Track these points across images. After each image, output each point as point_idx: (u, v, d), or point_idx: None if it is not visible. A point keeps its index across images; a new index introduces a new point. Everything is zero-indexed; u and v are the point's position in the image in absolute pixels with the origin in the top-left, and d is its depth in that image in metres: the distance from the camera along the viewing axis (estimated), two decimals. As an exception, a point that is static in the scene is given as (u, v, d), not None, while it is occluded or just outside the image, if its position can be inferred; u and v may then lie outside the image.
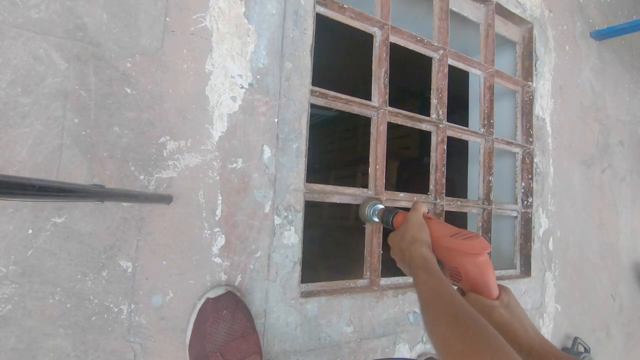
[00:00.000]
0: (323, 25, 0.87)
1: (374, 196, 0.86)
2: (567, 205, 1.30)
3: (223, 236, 0.66)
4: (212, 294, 0.62)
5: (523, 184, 1.21)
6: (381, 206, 0.81)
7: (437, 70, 1.03)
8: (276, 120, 0.72)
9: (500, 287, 0.52)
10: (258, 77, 0.71)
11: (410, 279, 0.95)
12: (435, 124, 1.00)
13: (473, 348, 0.35)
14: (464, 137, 1.09)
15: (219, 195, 0.66)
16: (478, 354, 0.34)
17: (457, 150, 1.44)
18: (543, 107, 1.24)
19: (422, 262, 0.51)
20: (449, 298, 0.42)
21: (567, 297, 1.29)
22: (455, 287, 0.53)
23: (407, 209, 0.67)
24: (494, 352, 0.34)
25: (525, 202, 1.20)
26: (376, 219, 0.79)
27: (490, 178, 1.11)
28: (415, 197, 0.96)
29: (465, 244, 0.52)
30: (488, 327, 0.37)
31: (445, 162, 1.00)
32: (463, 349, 0.35)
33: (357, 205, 0.86)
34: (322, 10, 0.82)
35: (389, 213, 0.71)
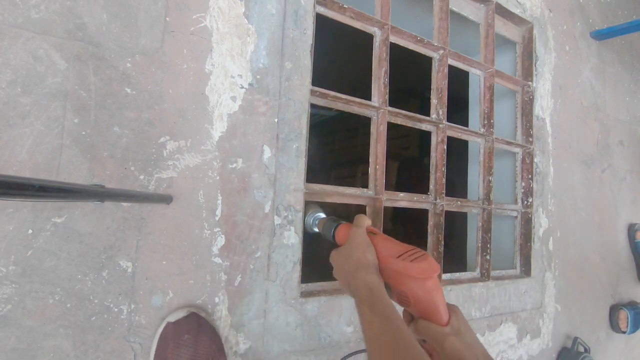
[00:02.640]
0: (323, 25, 0.87)
1: (315, 202, 0.77)
2: (567, 205, 1.30)
3: (223, 236, 0.66)
4: (172, 318, 0.58)
5: (523, 184, 1.21)
6: (323, 215, 0.73)
7: (437, 70, 1.03)
8: (276, 120, 0.72)
9: (450, 308, 0.49)
10: (258, 77, 0.71)
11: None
12: (435, 124, 1.00)
13: None
14: (464, 137, 1.09)
15: (219, 195, 0.66)
16: None
17: (457, 150, 1.44)
18: (543, 107, 1.24)
19: (366, 296, 0.47)
20: (393, 349, 0.39)
21: (567, 297, 1.29)
22: (403, 310, 0.51)
23: (351, 221, 0.62)
24: None
25: (525, 202, 1.20)
26: (316, 229, 0.72)
27: (490, 178, 1.11)
28: (415, 197, 0.96)
29: (412, 267, 0.48)
30: None
31: (445, 162, 1.00)
32: None
33: (358, 206, 0.85)
34: (322, 10, 0.82)
35: (330, 224, 0.65)
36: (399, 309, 0.49)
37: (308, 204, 0.75)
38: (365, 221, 0.58)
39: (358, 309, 0.48)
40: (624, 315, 1.44)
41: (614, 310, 1.46)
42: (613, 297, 1.49)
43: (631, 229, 1.58)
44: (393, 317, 0.44)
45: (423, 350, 0.39)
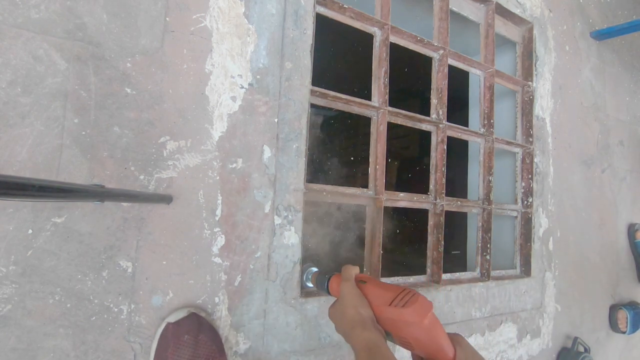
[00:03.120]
0: (323, 25, 0.87)
1: (310, 262, 0.78)
2: (567, 205, 1.30)
3: (223, 236, 0.66)
4: (173, 318, 0.58)
5: (523, 184, 1.21)
6: (315, 269, 0.74)
7: (437, 70, 1.03)
8: (276, 120, 0.72)
9: (454, 340, 0.49)
10: (258, 77, 0.71)
11: (410, 279, 0.95)
12: (435, 124, 1.00)
13: None
14: (464, 137, 1.09)
15: (219, 195, 0.66)
16: None
17: (457, 150, 1.44)
18: (543, 107, 1.24)
19: (366, 357, 0.45)
20: None
21: (567, 297, 1.29)
22: (411, 353, 0.51)
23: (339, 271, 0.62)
24: None
25: (525, 202, 1.20)
26: (310, 285, 0.73)
27: (490, 178, 1.11)
28: (415, 197, 0.96)
29: (406, 312, 0.48)
30: None
31: (445, 162, 1.00)
32: None
33: (357, 206, 0.85)
34: (322, 10, 0.82)
35: (322, 279, 0.65)
36: (407, 352, 0.49)
37: (304, 262, 0.76)
38: (352, 271, 0.58)
39: None
40: (622, 316, 1.44)
41: (613, 310, 1.46)
42: (613, 297, 1.49)
43: (631, 229, 1.58)
44: None
45: None
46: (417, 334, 0.47)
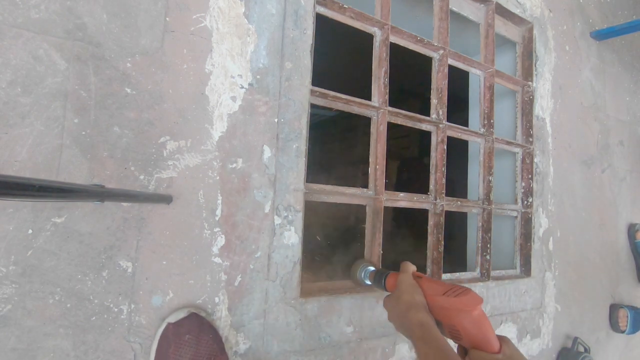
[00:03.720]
0: (323, 25, 0.87)
1: (365, 260, 0.84)
2: (567, 205, 1.30)
3: (223, 236, 0.66)
4: (173, 318, 0.59)
5: (523, 184, 1.21)
6: (372, 268, 0.79)
7: (437, 70, 1.03)
8: (276, 120, 0.72)
9: (500, 338, 0.52)
10: (258, 77, 0.71)
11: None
12: (435, 124, 1.00)
13: None
14: (464, 137, 1.09)
15: (219, 195, 0.66)
16: None
17: (457, 150, 1.44)
18: (543, 107, 1.24)
19: (420, 332, 0.51)
20: None
21: (567, 297, 1.29)
22: (457, 345, 0.54)
23: (397, 270, 0.67)
24: None
25: (525, 202, 1.20)
26: (369, 282, 0.79)
27: (490, 178, 1.11)
28: (415, 197, 0.96)
29: (458, 301, 0.52)
30: None
31: (445, 162, 1.00)
32: None
33: (359, 206, 0.85)
34: (322, 10, 0.82)
35: (380, 276, 0.71)
36: (453, 345, 0.52)
37: (357, 261, 0.84)
38: (410, 267, 0.64)
39: (414, 344, 0.52)
40: (623, 314, 1.44)
41: (613, 309, 1.46)
42: (613, 297, 1.49)
43: (631, 229, 1.58)
44: (446, 348, 0.47)
45: None
46: (466, 322, 0.51)
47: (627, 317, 1.43)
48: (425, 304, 0.57)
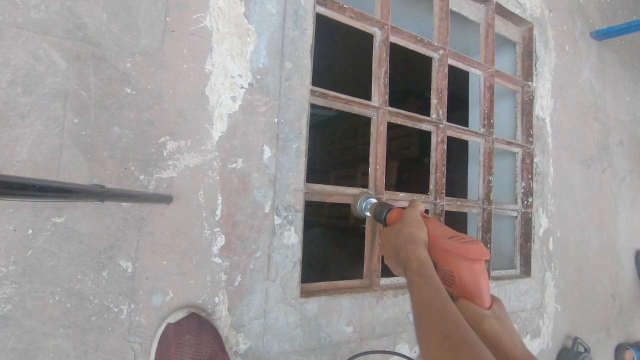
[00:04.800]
0: (323, 25, 0.87)
1: (368, 191, 0.82)
2: (567, 205, 1.30)
3: (223, 236, 0.66)
4: (173, 318, 0.59)
5: (523, 184, 1.21)
6: (374, 200, 0.76)
7: (437, 70, 1.03)
8: (276, 120, 0.72)
9: (493, 297, 0.51)
10: (258, 77, 0.71)
11: (410, 279, 0.95)
12: (435, 124, 1.00)
13: None
14: (464, 137, 1.09)
15: (219, 195, 0.66)
16: None
17: (457, 150, 1.44)
18: (543, 107, 1.24)
19: (417, 266, 0.49)
20: (443, 313, 0.41)
21: (567, 297, 1.29)
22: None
23: (403, 208, 0.65)
24: None
25: (525, 202, 1.20)
26: (368, 214, 0.75)
27: (490, 178, 1.11)
28: (415, 197, 0.96)
29: (464, 247, 0.50)
30: (481, 350, 0.36)
31: (445, 162, 1.00)
32: None
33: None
34: (322, 10, 0.82)
35: (382, 208, 0.68)
36: None
37: (359, 191, 0.80)
38: (420, 205, 0.61)
39: (408, 276, 0.50)
40: (629, 356, 1.41)
41: (619, 350, 1.42)
42: (613, 297, 1.49)
43: (638, 256, 1.56)
44: (441, 288, 0.45)
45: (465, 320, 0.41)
46: (466, 271, 0.49)
47: (634, 359, 1.41)
48: (427, 242, 0.54)
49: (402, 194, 0.93)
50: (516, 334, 0.48)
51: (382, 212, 0.67)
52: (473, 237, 0.53)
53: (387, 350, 0.84)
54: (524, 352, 0.46)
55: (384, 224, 0.67)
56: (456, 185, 1.74)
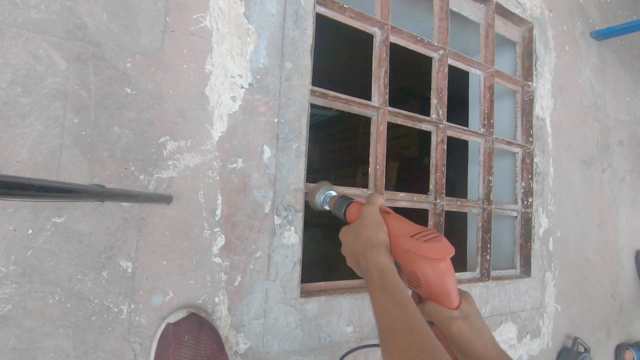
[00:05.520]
0: (323, 25, 0.87)
1: (327, 183, 0.75)
2: (567, 205, 1.30)
3: (223, 236, 0.66)
4: (172, 319, 0.59)
5: (523, 184, 1.21)
6: (334, 193, 0.70)
7: (437, 70, 1.03)
8: (276, 120, 0.72)
9: (461, 293, 0.49)
10: (258, 77, 0.71)
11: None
12: (435, 124, 1.00)
13: None
14: (464, 137, 1.09)
15: (219, 195, 0.66)
16: None
17: (457, 150, 1.44)
18: (543, 107, 1.24)
19: (378, 277, 0.45)
20: (408, 337, 0.38)
21: (567, 297, 1.29)
22: (411, 292, 0.50)
23: (361, 201, 0.61)
24: None
25: (525, 202, 1.20)
26: (327, 208, 0.69)
27: (490, 178, 1.11)
28: (415, 197, 0.96)
29: (426, 247, 0.47)
30: None
31: (445, 162, 1.00)
32: None
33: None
34: (322, 10, 0.82)
35: (341, 202, 0.62)
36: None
37: (318, 183, 0.73)
38: (379, 199, 0.56)
39: (369, 289, 0.46)
40: (629, 356, 1.41)
41: (619, 350, 1.42)
42: (613, 297, 1.49)
43: (638, 256, 1.56)
44: (405, 301, 0.42)
45: (434, 336, 0.38)
46: (430, 272, 0.46)
47: (634, 359, 1.40)
48: (388, 244, 0.50)
49: (402, 194, 0.93)
50: (487, 332, 0.46)
51: (341, 208, 0.61)
52: (437, 232, 0.49)
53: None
54: (495, 352, 0.45)
55: (344, 221, 0.61)
56: (456, 185, 1.74)
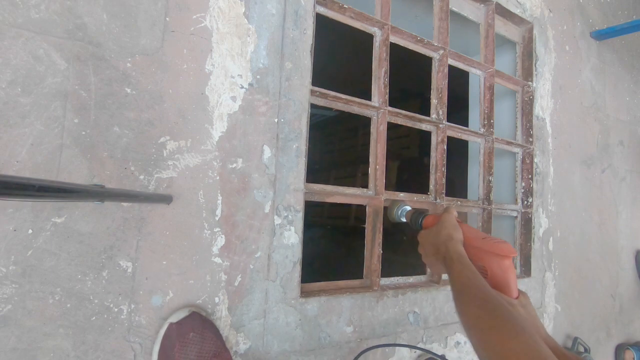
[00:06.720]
0: (323, 25, 0.87)
1: (401, 199, 0.89)
2: (567, 205, 1.30)
3: (223, 236, 0.66)
4: (175, 318, 0.59)
5: (523, 184, 1.21)
6: (408, 207, 0.84)
7: (437, 70, 1.03)
8: (276, 120, 0.72)
9: (520, 290, 0.57)
10: (258, 77, 0.71)
11: (410, 279, 0.95)
12: (435, 124, 1.00)
13: (501, 324, 0.41)
14: (464, 137, 1.09)
15: (219, 195, 0.66)
16: (505, 328, 0.41)
17: (457, 150, 1.44)
18: (543, 107, 1.24)
19: (457, 257, 0.57)
20: (481, 287, 0.49)
21: (567, 297, 1.29)
22: None
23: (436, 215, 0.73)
24: (519, 330, 0.40)
25: (525, 202, 1.20)
26: (404, 219, 0.83)
27: (490, 178, 1.11)
28: (415, 197, 0.96)
29: (495, 245, 0.58)
30: (513, 311, 0.44)
31: (445, 162, 1.00)
32: (493, 324, 0.42)
33: (359, 206, 0.85)
34: (322, 10, 0.82)
35: (418, 214, 0.77)
36: None
37: (393, 200, 0.89)
38: (454, 211, 0.69)
39: (448, 264, 0.58)
40: (629, 356, 1.41)
41: (619, 350, 1.42)
42: (613, 297, 1.49)
43: (638, 256, 1.56)
44: (478, 272, 0.54)
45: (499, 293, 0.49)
46: (496, 267, 0.57)
47: (634, 359, 1.40)
48: (462, 242, 0.62)
49: (402, 194, 0.93)
50: (540, 322, 0.55)
51: (418, 218, 0.76)
52: (502, 239, 0.60)
53: (390, 343, 0.84)
54: (547, 337, 0.53)
55: (420, 228, 0.75)
56: (456, 185, 1.74)
